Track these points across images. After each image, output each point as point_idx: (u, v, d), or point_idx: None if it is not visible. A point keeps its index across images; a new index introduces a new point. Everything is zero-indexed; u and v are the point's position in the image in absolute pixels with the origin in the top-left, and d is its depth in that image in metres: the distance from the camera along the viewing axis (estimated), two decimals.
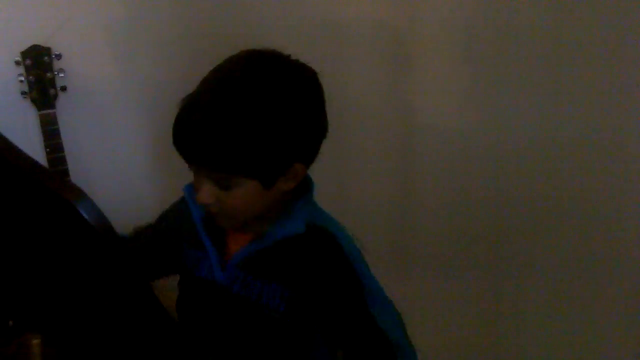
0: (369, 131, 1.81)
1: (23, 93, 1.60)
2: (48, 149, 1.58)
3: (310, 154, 1.02)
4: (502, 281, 1.81)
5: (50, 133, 1.59)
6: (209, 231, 1.09)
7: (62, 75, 1.62)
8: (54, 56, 1.60)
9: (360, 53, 1.77)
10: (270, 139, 0.92)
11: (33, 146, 1.58)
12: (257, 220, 1.03)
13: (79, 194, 0.78)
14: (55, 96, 1.62)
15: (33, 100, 1.60)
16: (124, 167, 1.83)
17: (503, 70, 1.66)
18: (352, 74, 1.78)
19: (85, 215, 0.76)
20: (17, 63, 1.58)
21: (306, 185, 1.07)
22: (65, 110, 1.65)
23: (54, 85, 1.61)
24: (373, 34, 1.74)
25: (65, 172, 1.60)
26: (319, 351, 1.09)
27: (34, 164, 0.82)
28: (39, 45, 1.59)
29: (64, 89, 1.63)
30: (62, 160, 1.60)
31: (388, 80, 1.78)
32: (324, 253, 1.02)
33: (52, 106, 1.61)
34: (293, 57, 1.01)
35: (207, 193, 0.96)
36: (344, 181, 1.84)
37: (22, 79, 1.59)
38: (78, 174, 1.63)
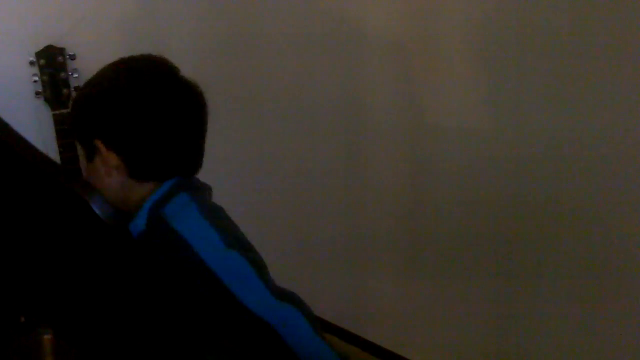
0: (382, 132, 1.81)
1: (37, 93, 1.61)
2: (61, 148, 1.59)
3: (119, 143, 1.08)
4: (514, 282, 1.80)
5: (64, 132, 1.61)
6: None
7: (76, 75, 1.64)
8: (67, 56, 1.62)
9: (374, 54, 1.77)
10: (90, 109, 1.10)
11: (46, 145, 1.60)
12: None
13: (92, 190, 0.79)
14: (69, 96, 1.63)
15: (47, 100, 1.62)
16: None
17: (517, 71, 1.65)
18: (365, 75, 1.78)
19: (98, 211, 0.77)
20: (32, 63, 1.59)
21: (167, 184, 1.12)
22: None
23: (67, 85, 1.63)
24: (387, 35, 1.74)
25: (78, 171, 1.61)
26: None
27: (48, 161, 0.83)
28: (53, 46, 1.60)
29: (77, 88, 1.64)
30: (75, 160, 1.61)
31: (401, 81, 1.78)
32: (161, 243, 1.03)
33: (66, 106, 1.62)
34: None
35: (84, 167, 1.14)
36: (356, 181, 1.84)
37: (36, 79, 1.60)
38: None
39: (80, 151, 1.15)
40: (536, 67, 1.62)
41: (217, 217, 1.10)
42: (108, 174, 1.09)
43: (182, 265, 1.01)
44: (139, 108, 1.07)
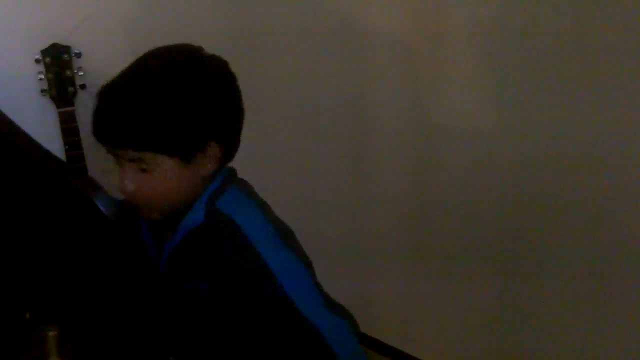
0: (387, 131, 1.80)
1: (42, 91, 1.62)
2: (67, 146, 1.60)
3: (225, 133, 1.06)
4: (519, 281, 1.80)
5: (69, 130, 1.61)
6: (151, 231, 1.13)
7: (82, 73, 1.64)
8: (73, 54, 1.62)
9: (380, 53, 1.77)
10: (179, 113, 0.99)
11: (52, 143, 1.60)
12: (179, 215, 1.06)
13: (97, 188, 0.79)
14: (74, 94, 1.63)
15: (52, 98, 1.62)
16: None
17: (522, 70, 1.65)
18: (370, 74, 1.78)
19: (103, 209, 0.77)
20: (37, 61, 1.60)
21: (218, 176, 1.09)
22: (84, 108, 1.66)
23: (73, 83, 1.63)
24: (393, 34, 1.74)
25: (84, 169, 1.61)
26: None
27: (53, 158, 0.83)
28: (59, 44, 1.60)
29: (83, 86, 1.65)
30: (81, 158, 1.62)
31: (407, 80, 1.77)
32: (222, 239, 1.03)
33: (71, 104, 1.63)
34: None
35: (130, 179, 1.01)
36: (361, 180, 1.84)
37: (42, 76, 1.61)
38: (96, 170, 1.65)
39: (135, 166, 1.01)
40: (542, 66, 1.62)
41: (268, 212, 1.11)
42: (206, 168, 1.05)
43: (242, 263, 1.00)
44: (219, 93, 1.05)
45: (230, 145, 1.08)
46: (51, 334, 1.03)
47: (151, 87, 0.99)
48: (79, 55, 1.63)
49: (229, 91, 1.07)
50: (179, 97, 0.99)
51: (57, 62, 1.61)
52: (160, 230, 1.12)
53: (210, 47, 1.78)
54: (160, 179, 1.01)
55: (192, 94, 1.00)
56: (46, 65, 1.60)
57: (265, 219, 1.07)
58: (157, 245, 1.12)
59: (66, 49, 1.61)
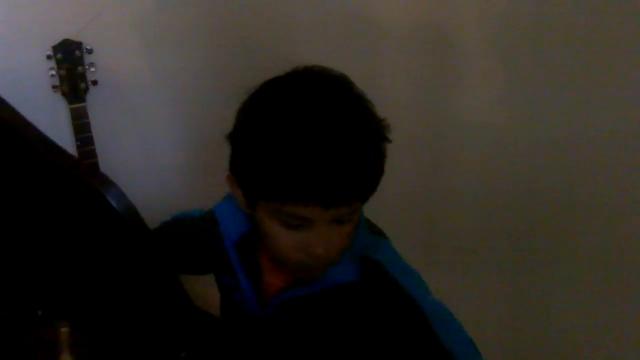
0: (402, 125, 1.79)
1: (54, 87, 1.61)
2: (78, 143, 1.59)
3: None
4: (531, 276, 1.79)
5: (81, 127, 1.60)
6: (243, 260, 1.04)
7: (93, 69, 1.63)
8: (85, 50, 1.62)
9: (395, 48, 1.75)
10: (383, 151, 0.90)
11: (64, 140, 1.60)
12: None
13: (107, 182, 0.78)
14: (86, 90, 1.63)
15: (64, 94, 1.61)
16: (155, 160, 1.84)
17: (535, 65, 1.64)
18: (385, 69, 1.76)
19: (113, 203, 0.77)
20: (49, 57, 1.59)
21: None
22: (96, 104, 1.66)
23: (84, 79, 1.63)
24: (407, 29, 1.72)
25: (96, 165, 1.61)
26: None
27: (63, 153, 0.83)
28: (70, 40, 1.60)
29: (94, 83, 1.64)
30: (93, 154, 1.61)
31: (418, 75, 1.76)
32: (380, 295, 0.94)
33: (83, 100, 1.62)
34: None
35: (332, 239, 0.88)
36: None
37: (53, 73, 1.60)
38: (108, 167, 1.64)
39: (330, 221, 0.88)
40: (555, 61, 1.60)
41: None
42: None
43: (394, 311, 0.93)
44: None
45: None
46: (63, 330, 1.02)
47: (365, 124, 0.87)
48: (90, 51, 1.62)
49: None
50: (380, 131, 0.90)
51: (69, 58, 1.61)
52: (254, 269, 1.04)
53: (222, 43, 1.78)
54: (353, 226, 0.92)
55: (381, 126, 0.91)
56: (57, 62, 1.60)
57: (410, 267, 1.00)
58: (251, 278, 1.03)
59: (78, 45, 1.61)
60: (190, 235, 1.16)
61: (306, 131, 0.80)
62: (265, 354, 1.04)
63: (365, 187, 0.86)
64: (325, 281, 0.95)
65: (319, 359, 0.97)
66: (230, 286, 1.07)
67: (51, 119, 1.65)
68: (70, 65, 1.61)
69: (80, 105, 1.62)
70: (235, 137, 0.89)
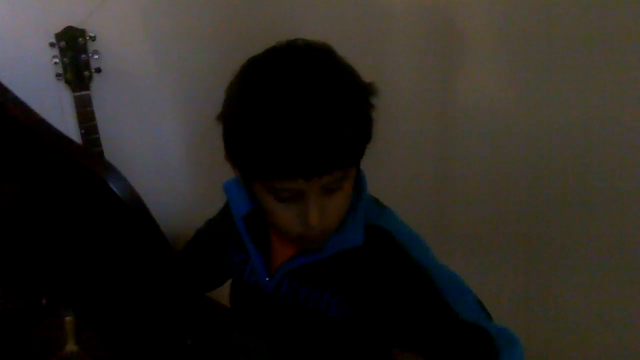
0: (409, 112, 1.78)
1: (58, 75, 1.60)
2: (83, 131, 1.58)
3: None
4: (543, 266, 1.77)
5: (85, 115, 1.60)
6: (251, 233, 1.05)
7: (97, 57, 1.62)
8: (88, 38, 1.60)
9: (401, 34, 1.74)
10: (368, 115, 0.90)
11: (68, 128, 1.59)
12: None
13: (110, 168, 0.77)
14: (90, 78, 1.62)
15: (68, 82, 1.61)
16: (159, 148, 1.83)
17: (545, 51, 1.62)
18: (392, 55, 1.75)
19: (116, 190, 0.76)
20: (52, 45, 1.58)
21: (361, 180, 1.00)
22: (100, 92, 1.65)
23: (88, 67, 1.62)
24: (413, 15, 1.71)
25: (100, 154, 1.60)
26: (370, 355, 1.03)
27: (66, 140, 0.82)
28: (74, 27, 1.59)
29: (98, 70, 1.63)
30: (97, 142, 1.60)
31: (428, 61, 1.74)
32: (386, 259, 0.96)
33: (87, 88, 1.61)
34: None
35: (320, 208, 0.88)
36: (383, 162, 1.81)
37: (57, 60, 1.59)
38: (113, 155, 1.64)
39: (319, 192, 0.88)
40: (564, 44, 1.58)
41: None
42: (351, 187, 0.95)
43: (399, 272, 0.95)
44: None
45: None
46: (68, 319, 1.01)
47: (342, 93, 0.86)
48: (93, 38, 1.61)
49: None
50: (361, 98, 0.89)
51: (72, 46, 1.59)
52: (263, 241, 1.06)
53: (226, 30, 1.76)
54: (347, 194, 0.92)
55: (365, 92, 0.90)
56: (61, 49, 1.59)
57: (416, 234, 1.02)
58: (259, 248, 1.05)
59: (81, 32, 1.59)
60: (211, 238, 1.18)
61: (280, 106, 0.82)
62: (275, 330, 1.05)
63: (343, 155, 0.86)
64: (329, 248, 0.97)
65: (327, 330, 0.98)
66: (242, 261, 1.09)
67: (55, 107, 1.64)
68: (74, 52, 1.60)
69: (85, 93, 1.61)
70: (223, 117, 0.91)
